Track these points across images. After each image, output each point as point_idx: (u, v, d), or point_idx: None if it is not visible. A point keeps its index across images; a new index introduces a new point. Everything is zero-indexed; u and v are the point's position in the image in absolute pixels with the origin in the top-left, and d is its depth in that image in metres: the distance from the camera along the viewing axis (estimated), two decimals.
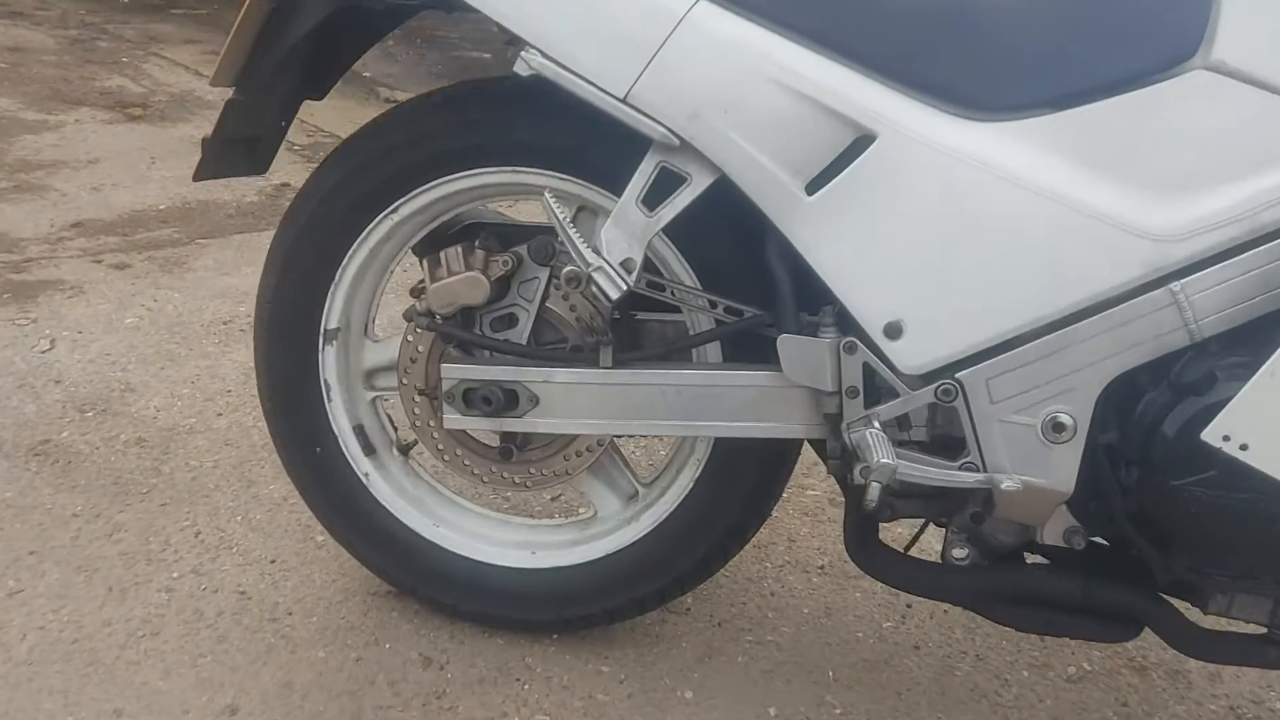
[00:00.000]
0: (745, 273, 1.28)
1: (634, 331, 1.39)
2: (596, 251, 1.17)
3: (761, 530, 1.89)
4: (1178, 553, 1.17)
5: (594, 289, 1.17)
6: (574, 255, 1.17)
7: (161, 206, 3.39)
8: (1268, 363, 1.03)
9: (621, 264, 1.18)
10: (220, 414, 2.18)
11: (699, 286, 1.30)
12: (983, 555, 1.30)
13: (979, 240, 1.14)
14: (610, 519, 1.49)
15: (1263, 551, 1.13)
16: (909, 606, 1.72)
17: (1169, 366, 1.11)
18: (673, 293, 1.30)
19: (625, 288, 1.17)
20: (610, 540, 1.47)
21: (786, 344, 1.20)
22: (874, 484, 1.13)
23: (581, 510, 1.80)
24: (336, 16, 1.35)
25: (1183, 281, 1.08)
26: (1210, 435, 1.06)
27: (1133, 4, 1.10)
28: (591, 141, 1.25)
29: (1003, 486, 1.15)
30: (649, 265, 1.32)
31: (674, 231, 1.28)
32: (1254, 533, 1.11)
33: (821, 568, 1.81)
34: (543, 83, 1.23)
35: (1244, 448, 1.05)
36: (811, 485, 2.04)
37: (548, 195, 1.20)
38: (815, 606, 1.71)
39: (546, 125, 1.30)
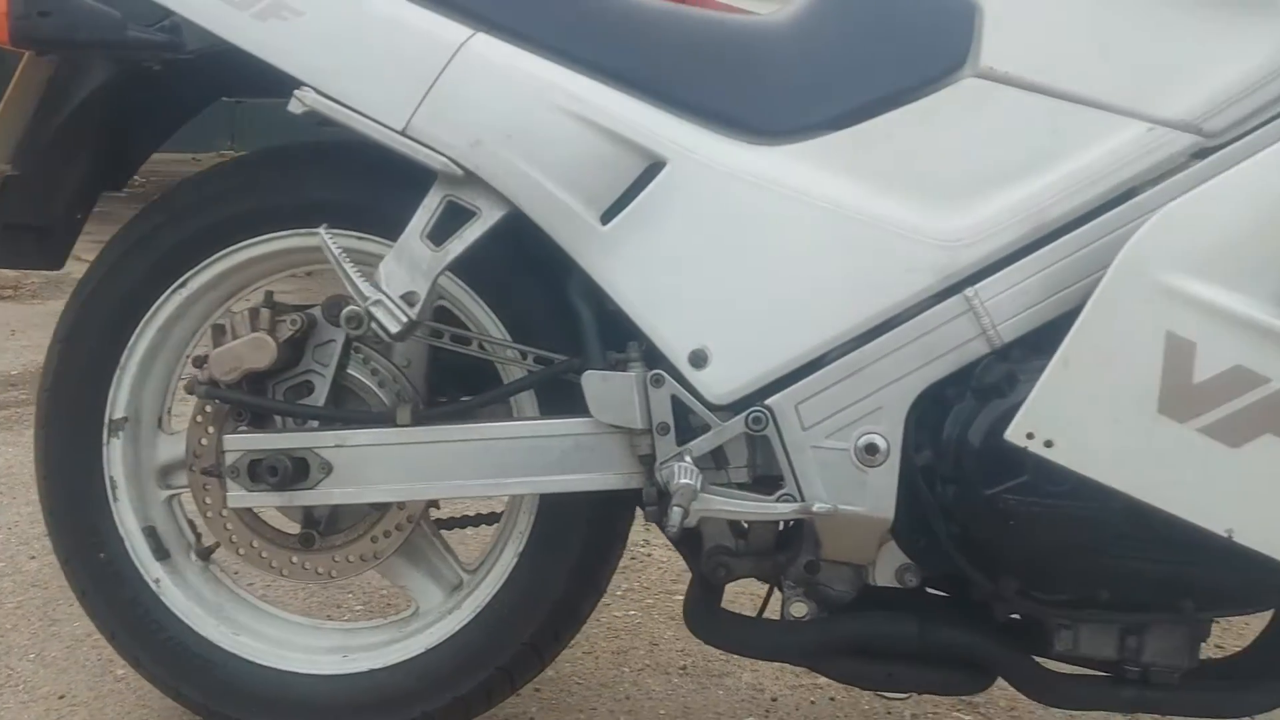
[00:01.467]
0: (557, 319, 1.22)
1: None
2: (375, 286, 1.11)
3: (622, 635, 1.78)
4: (1005, 576, 1.11)
5: (374, 325, 1.09)
6: (351, 292, 1.11)
7: (13, 372, 3.26)
8: (1059, 352, 1.00)
9: (403, 297, 1.11)
10: (34, 557, 2.00)
11: (508, 338, 1.24)
12: (822, 609, 1.22)
13: (774, 260, 1.11)
14: (432, 612, 1.36)
15: (1083, 559, 1.07)
16: (774, 700, 1.60)
17: (973, 375, 1.08)
18: (480, 345, 1.24)
19: (407, 320, 1.10)
20: (430, 634, 1.33)
21: (591, 380, 1.14)
22: (675, 509, 1.05)
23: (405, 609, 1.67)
24: (128, 95, 1.31)
25: (976, 286, 1.07)
26: (1014, 434, 1.02)
27: (901, 21, 1.13)
28: (387, 196, 1.21)
29: (814, 509, 1.08)
30: (454, 320, 1.26)
31: (478, 281, 1.24)
32: (1071, 538, 1.05)
33: (684, 668, 1.68)
34: (338, 140, 1.20)
35: (1049, 445, 1.01)
36: (679, 590, 1.93)
37: (324, 231, 1.14)
38: (673, 708, 1.58)
39: (340, 182, 1.25)
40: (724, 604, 1.30)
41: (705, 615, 1.27)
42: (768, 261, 1.11)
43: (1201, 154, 1.04)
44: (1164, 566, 1.07)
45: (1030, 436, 1.02)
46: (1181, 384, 0.98)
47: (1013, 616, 1.19)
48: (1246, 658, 1.24)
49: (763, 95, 1.14)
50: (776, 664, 1.58)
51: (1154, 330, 0.98)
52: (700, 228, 1.11)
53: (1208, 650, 1.23)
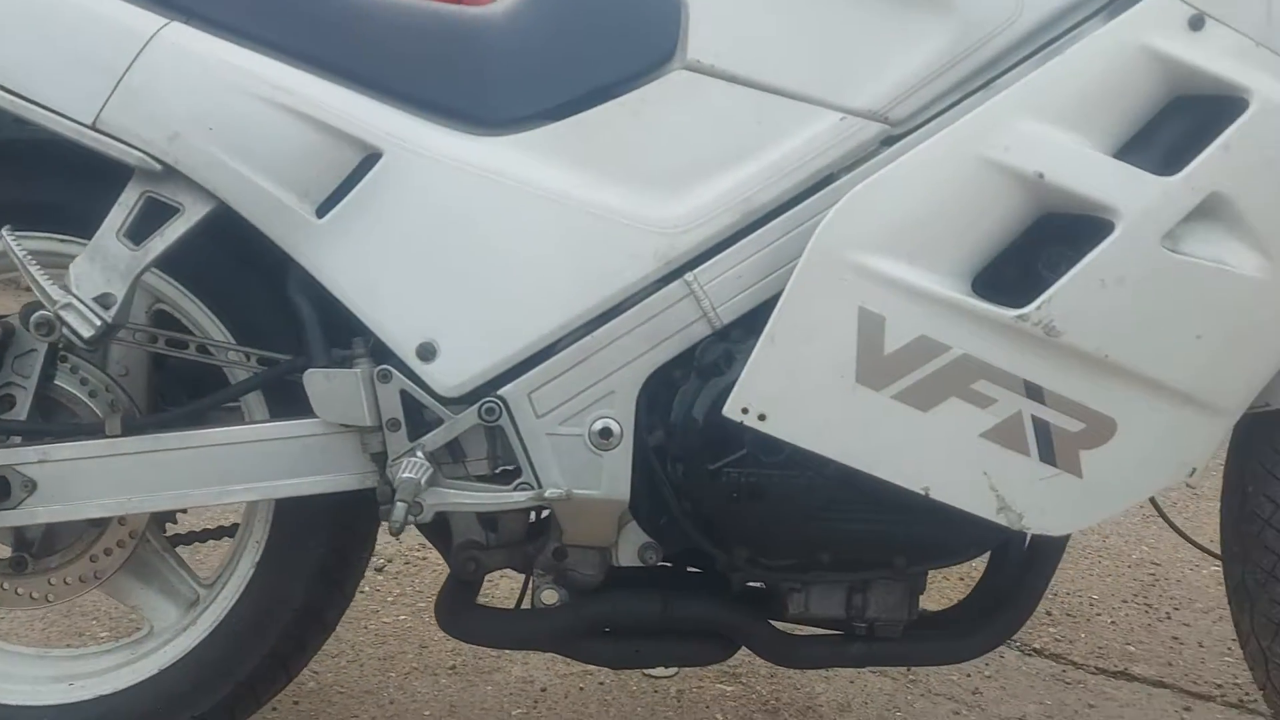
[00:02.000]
0: (284, 319, 1.18)
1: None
2: (65, 288, 1.04)
3: (390, 641, 1.74)
4: (736, 546, 1.16)
5: (65, 331, 1.03)
6: (40, 296, 1.03)
7: None
8: (765, 330, 1.06)
9: (97, 300, 1.05)
10: None
11: (231, 340, 1.19)
12: (573, 594, 1.23)
13: (498, 250, 1.12)
14: (167, 631, 1.29)
15: (802, 525, 1.13)
16: (543, 690, 1.61)
17: (695, 356, 1.12)
18: (199, 349, 1.18)
19: (102, 324, 1.04)
20: (163, 653, 1.27)
21: (313, 379, 1.11)
22: (398, 504, 1.04)
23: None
24: None
25: (695, 271, 1.10)
26: (730, 410, 1.06)
27: (613, 13, 1.15)
28: (85, 194, 1.13)
29: (547, 494, 1.10)
30: (176, 324, 1.20)
31: (195, 282, 1.18)
32: (789, 506, 1.11)
33: (453, 668, 1.67)
34: (30, 138, 1.12)
35: (762, 418, 1.06)
36: None
37: (5, 232, 1.06)
38: (438, 709, 1.56)
39: (34, 181, 1.17)
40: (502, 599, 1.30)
41: (455, 612, 1.26)
42: (491, 252, 1.11)
43: (890, 141, 1.11)
44: (875, 526, 1.14)
45: (745, 411, 1.06)
46: (875, 355, 1.05)
47: (750, 585, 1.24)
48: (965, 607, 1.33)
49: (482, 86, 1.14)
50: (549, 655, 1.59)
51: (847, 306, 1.04)
52: (420, 219, 1.10)
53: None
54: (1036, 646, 1.82)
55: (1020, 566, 1.27)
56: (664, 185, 1.12)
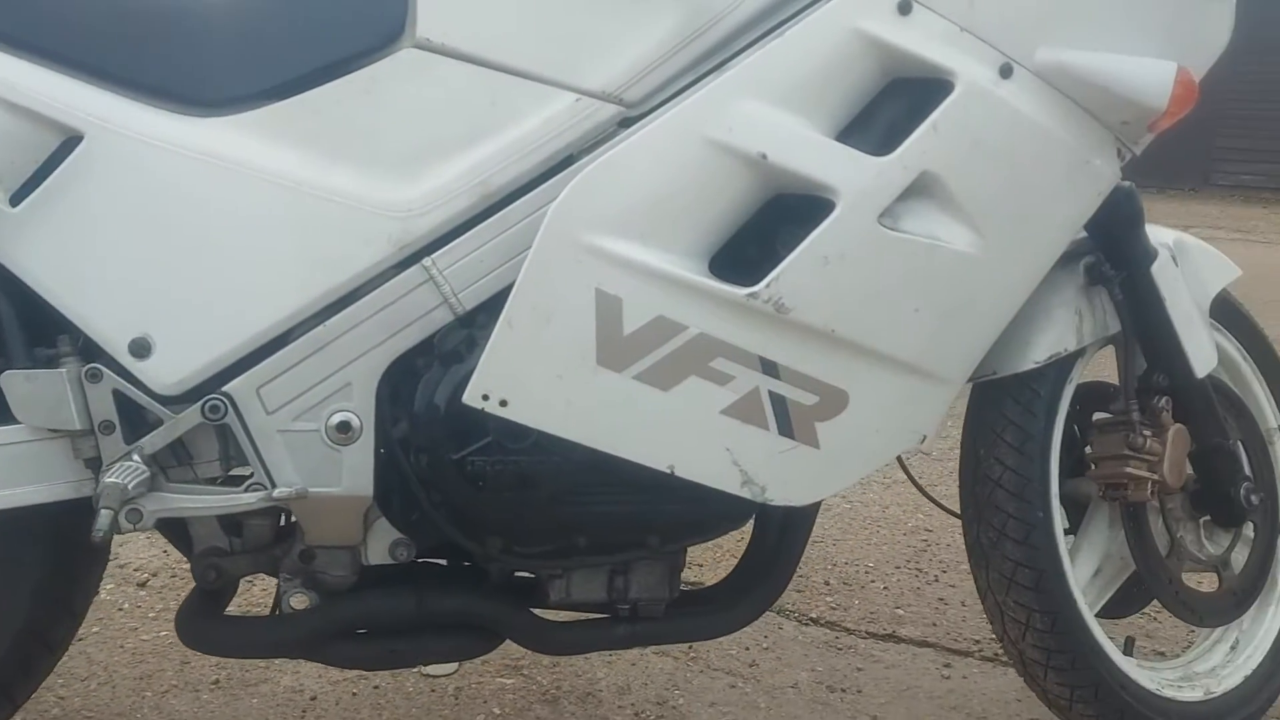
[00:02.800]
0: None
1: None
2: None
3: (149, 659, 1.64)
4: (489, 536, 1.14)
5: None
6: None
7: None
8: (503, 314, 1.04)
9: None
10: None
11: None
12: (324, 597, 1.19)
13: (217, 237, 1.05)
14: None
15: (553, 510, 1.12)
16: (313, 699, 1.55)
17: (436, 343, 1.09)
18: None
19: None
20: None
21: (11, 381, 1.02)
22: (103, 512, 0.97)
23: None
24: None
25: (434, 256, 1.07)
26: (470, 397, 1.04)
27: None
28: None
29: (276, 494, 1.05)
30: None
31: None
32: (538, 492, 1.10)
33: (216, 682, 1.58)
34: None
35: (504, 404, 1.05)
36: None
37: None
38: None
39: None
40: None
41: (196, 624, 1.19)
42: (208, 239, 1.05)
43: (627, 123, 1.11)
44: (626, 507, 1.15)
45: (486, 398, 1.04)
46: (614, 336, 1.05)
47: (514, 574, 1.23)
48: (728, 581, 1.36)
49: (197, 64, 1.07)
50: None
51: (584, 288, 1.04)
52: (126, 206, 1.03)
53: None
54: (813, 615, 1.89)
55: (777, 538, 1.31)
56: (398, 167, 1.08)
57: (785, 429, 1.12)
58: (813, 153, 1.06)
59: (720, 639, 1.76)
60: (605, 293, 1.04)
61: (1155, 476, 1.33)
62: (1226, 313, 1.54)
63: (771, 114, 1.06)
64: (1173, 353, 1.36)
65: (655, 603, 1.25)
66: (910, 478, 1.52)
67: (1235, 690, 1.48)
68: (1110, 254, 1.35)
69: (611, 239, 1.04)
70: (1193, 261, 1.45)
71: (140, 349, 1.03)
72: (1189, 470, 1.42)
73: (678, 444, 1.10)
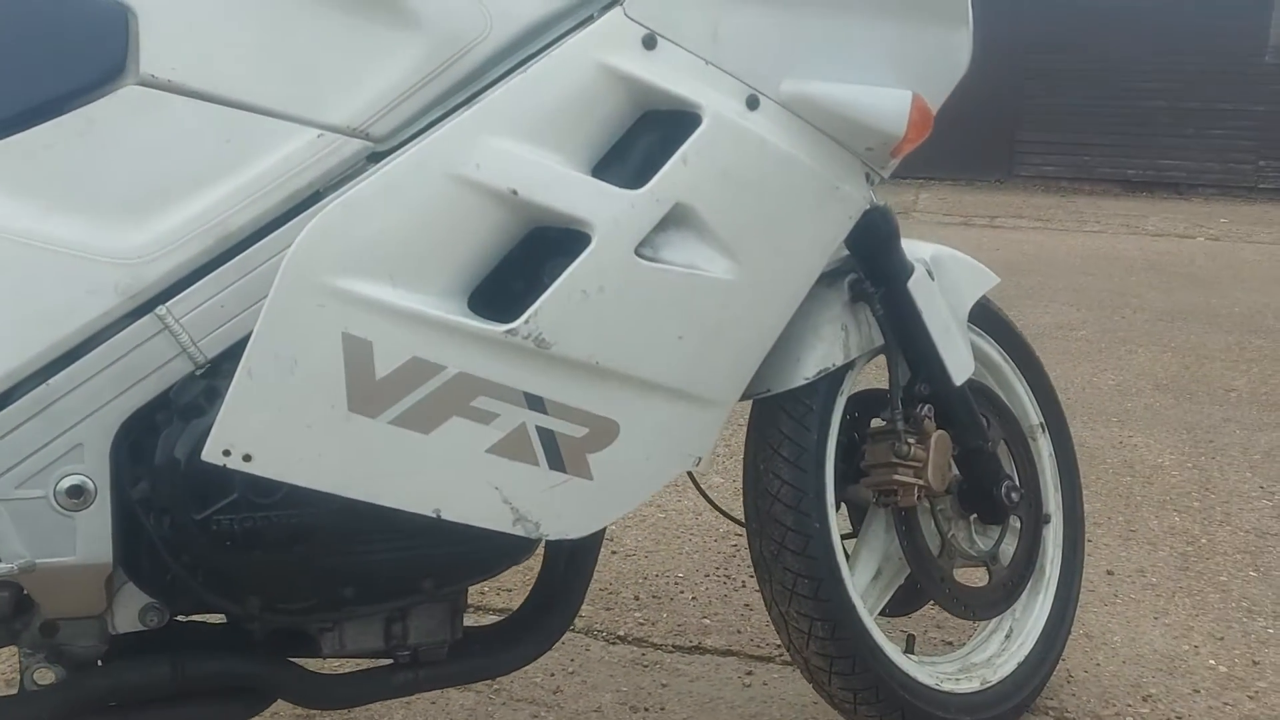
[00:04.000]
0: None
1: None
2: None
3: None
4: (245, 596, 1.08)
5: None
6: None
7: None
8: (241, 363, 0.99)
9: None
10: None
11: None
12: (71, 671, 1.10)
13: None
14: None
15: (313, 564, 1.08)
16: None
17: (175, 396, 1.03)
18: None
19: None
20: None
21: None
22: None
23: None
24: None
25: (169, 304, 1.01)
26: (211, 453, 0.99)
27: (47, 24, 1.03)
28: None
29: None
30: None
31: None
32: (293, 547, 1.05)
33: None
34: None
35: (248, 459, 1.00)
36: None
37: None
38: None
39: None
40: None
41: None
42: None
43: (376, 157, 1.08)
44: (395, 554, 1.11)
45: (227, 453, 0.99)
46: (366, 381, 1.02)
47: (278, 630, 1.17)
48: (515, 616, 1.34)
49: None
50: None
51: (330, 332, 1.00)
52: None
53: None
54: (620, 633, 1.89)
55: (565, 567, 1.30)
56: (124, 211, 1.02)
57: (556, 463, 1.11)
58: (564, 188, 1.06)
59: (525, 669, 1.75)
60: (354, 336, 1.01)
61: (920, 482, 1.40)
62: (987, 318, 1.63)
63: (520, 150, 1.05)
64: (932, 362, 1.43)
65: (437, 646, 1.22)
66: (699, 489, 1.55)
67: (1010, 677, 1.57)
68: (870, 271, 1.40)
69: (356, 281, 1.01)
70: (950, 273, 1.53)
71: None
72: (954, 472, 1.50)
73: (442, 487, 1.07)
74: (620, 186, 1.08)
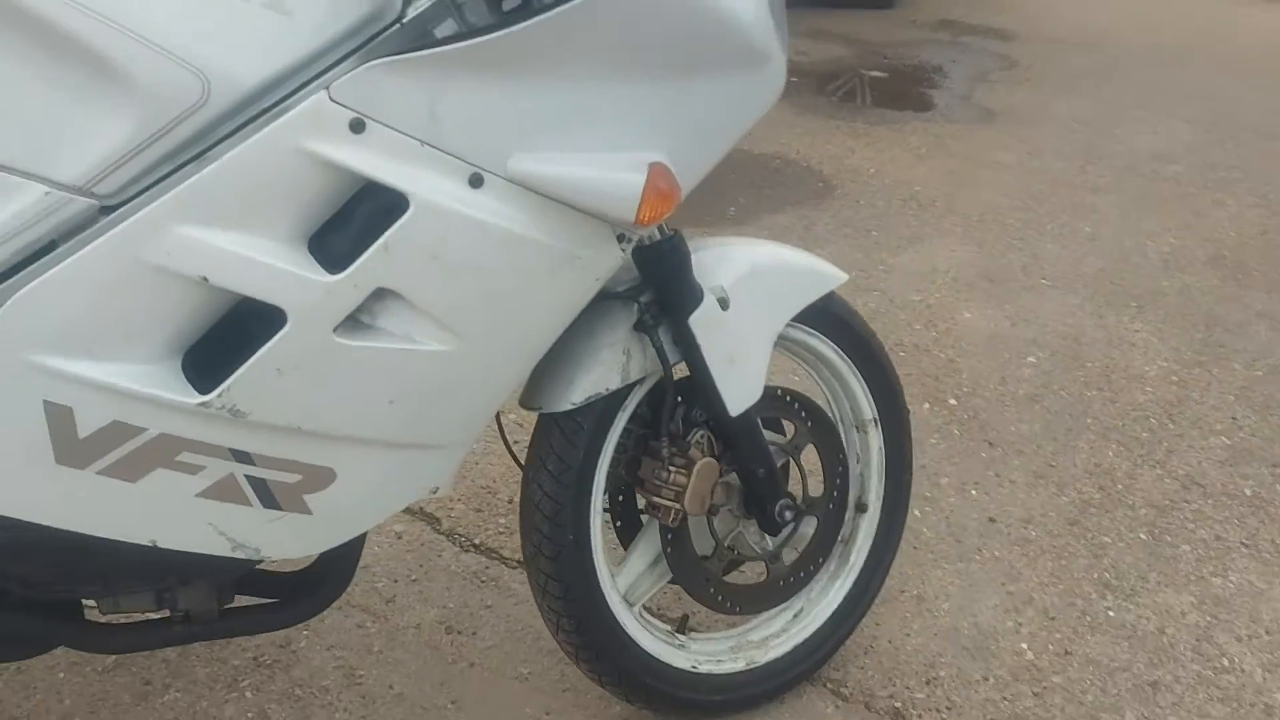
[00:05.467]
0: None
1: None
2: None
3: None
4: (8, 583, 1.23)
5: None
6: None
7: None
8: None
9: None
10: None
11: None
12: None
13: None
14: None
15: (58, 567, 1.21)
16: None
17: None
18: None
19: None
20: None
21: None
22: None
23: None
24: None
25: None
26: None
27: None
28: None
29: None
30: None
31: None
32: (34, 555, 1.20)
33: None
34: None
35: None
36: None
37: None
38: None
39: None
40: None
41: None
42: None
43: (107, 210, 1.12)
44: (133, 559, 1.25)
45: None
46: (70, 439, 1.12)
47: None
48: (296, 577, 1.47)
49: None
50: None
51: (31, 400, 1.09)
52: None
53: None
54: (476, 541, 2.04)
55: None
56: None
57: (270, 503, 1.22)
58: (256, 275, 1.10)
59: (374, 567, 1.94)
60: (54, 403, 1.10)
61: (677, 506, 1.47)
62: (825, 318, 1.63)
63: (213, 237, 1.08)
64: (709, 394, 1.46)
65: (208, 612, 1.39)
66: (500, 430, 1.59)
67: (780, 659, 1.70)
68: (660, 298, 1.41)
69: (54, 356, 1.08)
70: (769, 286, 1.52)
71: None
72: (736, 482, 1.56)
73: (156, 523, 1.19)
74: (326, 266, 1.12)
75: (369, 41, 1.11)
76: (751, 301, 1.49)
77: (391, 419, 1.21)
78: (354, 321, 1.15)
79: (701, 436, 1.48)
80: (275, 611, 1.45)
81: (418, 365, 1.19)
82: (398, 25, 1.11)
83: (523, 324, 1.24)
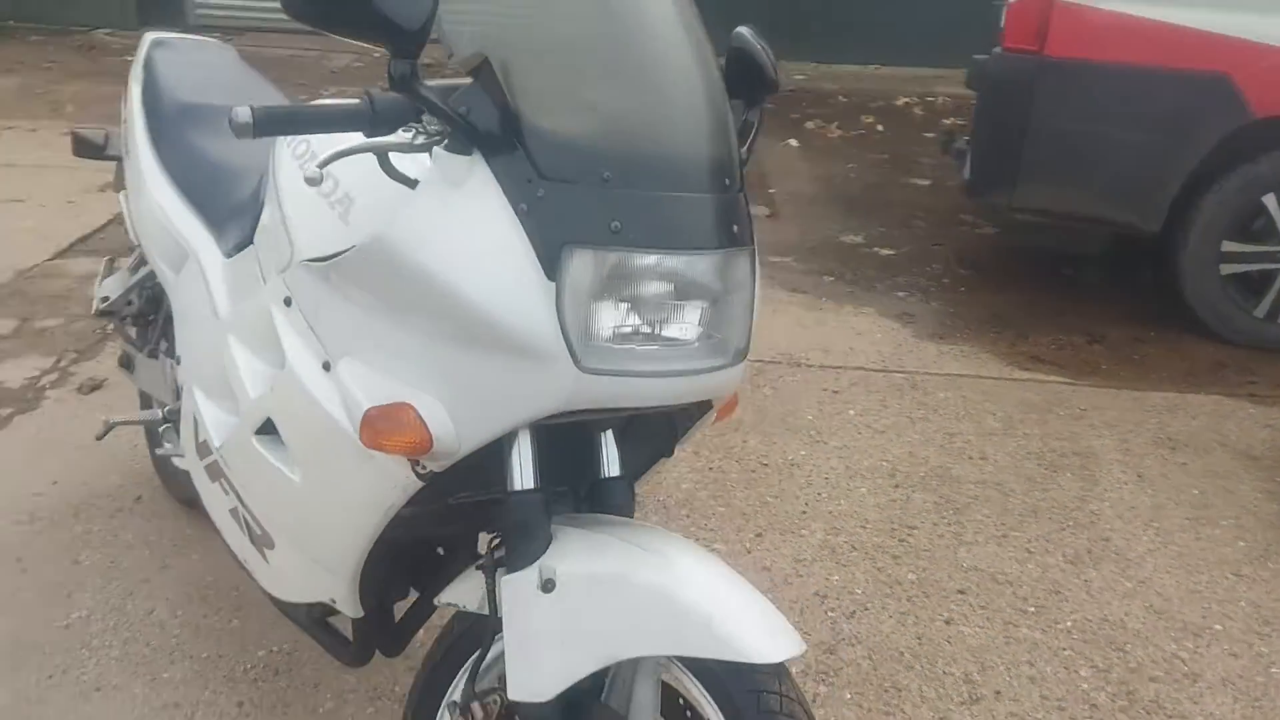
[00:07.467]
0: None
1: None
2: None
3: None
4: None
5: None
6: None
7: None
8: None
9: None
10: None
11: None
12: None
13: None
14: None
15: None
16: None
17: None
18: None
19: None
20: None
21: None
22: None
23: None
24: None
25: None
26: None
27: None
28: None
29: None
30: None
31: None
32: None
33: None
34: None
35: None
36: None
37: None
38: None
39: None
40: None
41: None
42: None
43: None
44: None
45: None
46: None
47: None
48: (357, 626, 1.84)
49: None
50: None
51: None
52: None
53: None
54: None
55: None
56: None
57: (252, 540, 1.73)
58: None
59: None
60: None
61: None
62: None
63: None
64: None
65: None
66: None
67: None
68: (507, 547, 1.38)
69: None
70: (642, 613, 1.32)
71: None
72: None
73: None
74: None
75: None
76: (592, 607, 1.29)
77: (285, 519, 1.60)
78: (269, 431, 1.57)
79: (494, 701, 1.40)
80: (343, 647, 1.87)
81: (286, 484, 1.55)
82: None
83: (341, 490, 1.46)
